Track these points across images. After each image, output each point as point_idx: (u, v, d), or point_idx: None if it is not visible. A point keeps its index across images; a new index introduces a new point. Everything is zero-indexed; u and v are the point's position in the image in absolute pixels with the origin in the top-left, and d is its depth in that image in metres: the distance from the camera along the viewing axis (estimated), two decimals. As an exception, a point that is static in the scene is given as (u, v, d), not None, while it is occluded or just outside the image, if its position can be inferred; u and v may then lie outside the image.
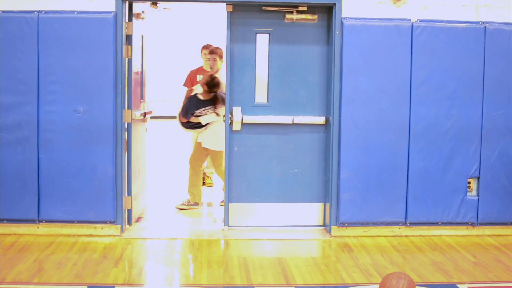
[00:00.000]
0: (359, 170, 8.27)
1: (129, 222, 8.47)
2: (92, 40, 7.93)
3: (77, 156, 7.98)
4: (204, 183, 10.78)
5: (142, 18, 8.71)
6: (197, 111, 9.49)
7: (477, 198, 8.47)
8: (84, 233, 8.10)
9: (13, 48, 7.87)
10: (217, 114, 9.50)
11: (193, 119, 9.56)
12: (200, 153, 9.79)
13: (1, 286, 6.32)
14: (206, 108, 9.48)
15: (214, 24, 18.25)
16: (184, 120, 9.65)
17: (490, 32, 8.27)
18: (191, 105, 9.53)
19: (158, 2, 8.85)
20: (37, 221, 8.08)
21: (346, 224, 8.32)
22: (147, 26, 9.28)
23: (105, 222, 8.12)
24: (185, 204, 9.66)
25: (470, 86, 8.32)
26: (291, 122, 8.46)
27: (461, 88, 8.30)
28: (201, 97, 9.50)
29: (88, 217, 8.07)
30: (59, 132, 7.96)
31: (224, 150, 8.69)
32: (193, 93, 9.70)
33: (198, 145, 9.80)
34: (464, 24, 8.26)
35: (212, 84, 9.39)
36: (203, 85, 9.44)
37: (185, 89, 10.65)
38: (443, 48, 8.25)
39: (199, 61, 10.90)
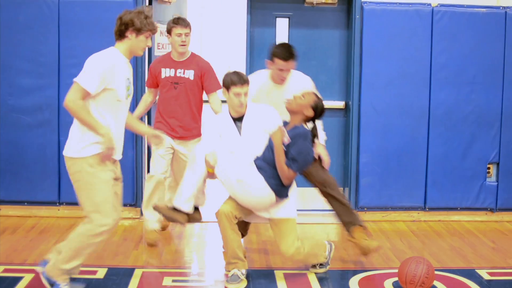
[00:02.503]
0: (379, 154, 8.27)
1: (149, 205, 8.52)
2: (113, 23, 7.86)
3: (98, 139, 8.01)
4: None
5: (169, 2, 8.64)
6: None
7: (496, 183, 8.45)
8: (104, 216, 8.14)
9: (34, 31, 7.90)
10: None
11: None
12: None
13: (23, 267, 6.38)
14: None
15: (231, 8, 18.11)
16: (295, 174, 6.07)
17: (511, 17, 8.22)
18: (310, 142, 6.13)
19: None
20: (57, 204, 8.14)
21: (365, 209, 8.33)
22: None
23: (125, 205, 8.10)
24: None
25: (490, 71, 8.29)
26: (311, 107, 8.46)
27: (481, 73, 8.28)
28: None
29: (108, 200, 8.12)
30: (79, 115, 7.99)
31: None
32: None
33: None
34: (484, 9, 8.22)
35: (321, 107, 6.25)
36: (307, 107, 6.15)
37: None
38: (463, 33, 8.22)
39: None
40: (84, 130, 5.40)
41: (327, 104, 8.36)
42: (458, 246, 7.48)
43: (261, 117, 6.25)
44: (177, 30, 7.13)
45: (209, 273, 6.57)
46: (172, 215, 6.15)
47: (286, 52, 6.72)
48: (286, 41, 8.43)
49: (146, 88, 7.66)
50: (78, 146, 5.43)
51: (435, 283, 6.08)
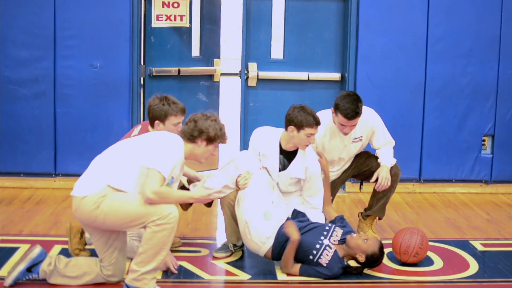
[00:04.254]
0: (374, 127, 8.27)
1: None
2: (109, -5, 7.94)
3: (93, 110, 8.02)
4: None
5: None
6: None
7: (491, 156, 8.47)
8: (100, 187, 8.16)
9: (30, 3, 7.88)
10: None
11: None
12: None
13: (19, 238, 6.41)
14: None
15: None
16: None
17: (508, -11, 8.23)
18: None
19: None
20: (53, 175, 8.16)
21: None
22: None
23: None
24: None
25: (487, 44, 8.28)
26: (307, 78, 8.46)
27: (477, 45, 8.27)
28: None
29: (104, 171, 8.13)
30: (75, 86, 8.00)
31: None
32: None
33: None
34: (481, -19, 8.21)
35: (376, 261, 5.66)
36: (362, 252, 5.56)
37: None
38: (460, 5, 8.20)
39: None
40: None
41: (323, 76, 8.41)
42: (452, 218, 7.51)
43: (306, 163, 5.98)
44: (176, 119, 5.80)
45: (205, 244, 6.58)
46: None
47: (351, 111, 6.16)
48: (282, 13, 8.43)
49: None
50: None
51: (429, 253, 6.12)
